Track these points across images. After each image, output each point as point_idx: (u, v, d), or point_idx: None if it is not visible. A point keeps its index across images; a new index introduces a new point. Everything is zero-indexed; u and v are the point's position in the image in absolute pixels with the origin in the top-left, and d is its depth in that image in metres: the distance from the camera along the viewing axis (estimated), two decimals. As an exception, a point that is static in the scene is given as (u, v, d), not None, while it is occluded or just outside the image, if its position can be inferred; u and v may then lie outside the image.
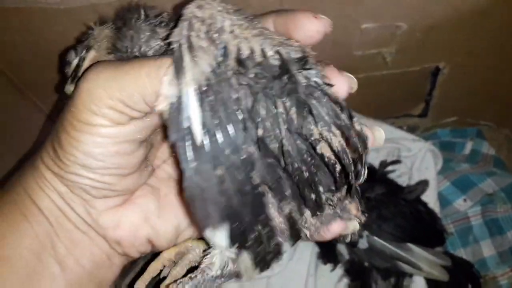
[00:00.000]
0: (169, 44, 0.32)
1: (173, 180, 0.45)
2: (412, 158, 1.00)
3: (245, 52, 0.31)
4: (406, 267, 0.84)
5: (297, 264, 0.94)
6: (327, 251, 0.91)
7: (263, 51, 0.32)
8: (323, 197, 0.36)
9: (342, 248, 0.88)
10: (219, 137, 0.31)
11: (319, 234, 0.40)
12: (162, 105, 0.31)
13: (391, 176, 0.94)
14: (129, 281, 0.56)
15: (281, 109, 0.32)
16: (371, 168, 0.95)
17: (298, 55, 0.33)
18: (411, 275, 0.87)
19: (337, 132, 0.33)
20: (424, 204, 0.93)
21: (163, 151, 0.46)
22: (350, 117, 0.35)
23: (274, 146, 0.32)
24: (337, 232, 0.43)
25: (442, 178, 1.03)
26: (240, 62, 0.31)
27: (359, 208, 0.45)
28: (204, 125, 0.30)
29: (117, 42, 0.41)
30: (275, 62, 0.32)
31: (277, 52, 0.32)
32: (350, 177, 0.35)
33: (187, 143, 0.30)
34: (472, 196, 1.01)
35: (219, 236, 0.32)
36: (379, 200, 0.86)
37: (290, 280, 0.93)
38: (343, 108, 0.34)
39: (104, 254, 0.41)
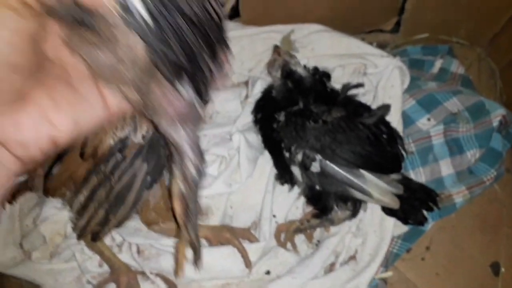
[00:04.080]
0: None
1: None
2: (378, 75, 0.85)
3: None
4: (357, 193, 0.73)
5: (256, 182, 0.84)
6: (284, 173, 0.81)
7: None
8: None
9: (296, 171, 0.78)
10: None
11: None
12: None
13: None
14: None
15: None
16: (333, 91, 0.81)
17: None
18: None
19: None
20: (387, 124, 0.81)
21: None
22: None
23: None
24: None
25: (408, 97, 0.88)
26: None
27: None
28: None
29: None
30: None
31: None
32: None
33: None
34: (436, 115, 0.87)
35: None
36: (335, 124, 0.74)
37: (249, 196, 0.85)
38: None
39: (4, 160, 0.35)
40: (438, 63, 0.92)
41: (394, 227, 0.82)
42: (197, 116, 0.42)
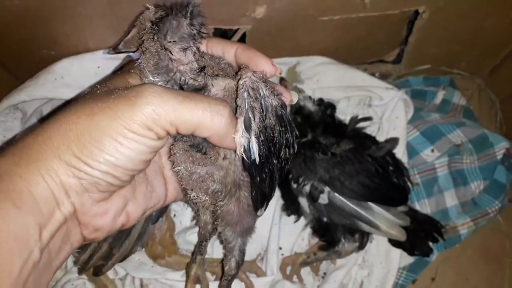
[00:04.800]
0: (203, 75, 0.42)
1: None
2: (383, 107, 0.85)
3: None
4: (365, 226, 0.72)
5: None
6: (291, 204, 0.80)
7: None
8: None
9: (303, 202, 0.76)
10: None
11: None
12: (238, 148, 0.40)
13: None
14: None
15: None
16: (341, 124, 0.80)
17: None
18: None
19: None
20: (393, 156, 0.81)
21: None
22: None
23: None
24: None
25: (412, 128, 0.88)
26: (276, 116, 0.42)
27: None
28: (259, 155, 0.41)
29: (156, 25, 0.40)
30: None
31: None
32: None
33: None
34: (439, 147, 0.87)
35: None
36: (344, 156, 0.73)
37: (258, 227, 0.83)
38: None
39: (73, 239, 0.39)
40: (441, 94, 0.93)
41: (400, 258, 0.81)
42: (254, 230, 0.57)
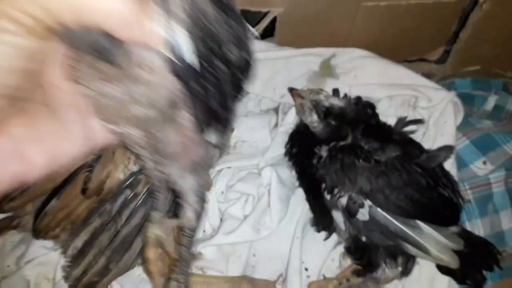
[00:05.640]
0: None
1: None
2: (431, 110, 0.73)
3: None
4: (411, 249, 0.60)
5: (285, 226, 0.70)
6: (322, 218, 0.67)
7: None
8: None
9: (338, 217, 0.64)
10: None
11: None
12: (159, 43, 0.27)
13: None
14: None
15: None
16: (385, 126, 0.68)
17: None
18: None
19: None
20: (441, 167, 0.68)
21: None
22: None
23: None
24: None
25: (461, 136, 0.76)
26: None
27: None
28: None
29: None
30: None
31: None
32: None
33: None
34: (493, 159, 0.74)
35: None
36: (390, 165, 0.61)
37: (275, 243, 0.70)
38: None
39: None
40: (492, 99, 0.81)
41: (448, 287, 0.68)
42: (210, 164, 0.43)
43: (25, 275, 0.66)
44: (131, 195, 0.52)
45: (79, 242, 0.53)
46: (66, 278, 0.56)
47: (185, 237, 0.45)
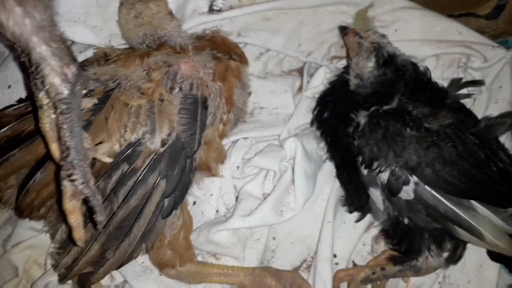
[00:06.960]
0: None
1: None
2: (485, 72, 0.62)
3: None
4: (463, 233, 0.52)
5: (310, 206, 0.61)
6: (356, 197, 0.57)
7: None
8: None
9: (376, 195, 0.54)
10: None
11: None
12: None
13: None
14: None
15: None
16: (439, 87, 0.57)
17: None
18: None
19: None
20: (496, 140, 0.57)
21: None
22: None
23: None
24: None
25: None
26: None
27: None
28: None
29: None
30: None
31: None
32: None
33: None
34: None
35: None
36: (442, 135, 0.50)
37: (299, 225, 0.61)
38: None
39: None
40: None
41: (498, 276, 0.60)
42: None
43: (12, 259, 0.58)
44: (128, 170, 0.42)
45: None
46: (55, 266, 0.48)
47: (62, 115, 0.37)
